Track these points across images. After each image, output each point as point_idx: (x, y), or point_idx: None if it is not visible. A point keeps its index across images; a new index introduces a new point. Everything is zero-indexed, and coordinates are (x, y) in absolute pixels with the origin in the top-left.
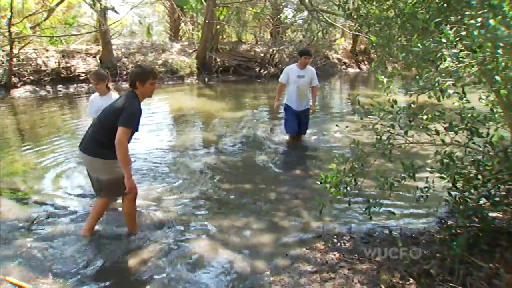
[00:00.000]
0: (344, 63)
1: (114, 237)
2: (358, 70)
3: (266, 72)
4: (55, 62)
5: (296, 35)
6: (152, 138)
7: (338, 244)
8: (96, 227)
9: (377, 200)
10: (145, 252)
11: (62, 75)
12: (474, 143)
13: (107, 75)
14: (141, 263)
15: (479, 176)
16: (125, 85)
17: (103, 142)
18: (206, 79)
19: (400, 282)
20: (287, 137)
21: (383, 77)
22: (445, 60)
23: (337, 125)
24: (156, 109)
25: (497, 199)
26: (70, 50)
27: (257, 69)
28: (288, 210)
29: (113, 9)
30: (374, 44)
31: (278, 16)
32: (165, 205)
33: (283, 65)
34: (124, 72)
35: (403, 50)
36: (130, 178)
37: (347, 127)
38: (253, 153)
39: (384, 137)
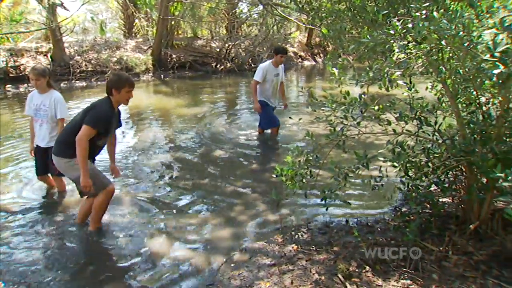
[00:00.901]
0: (300, 56)
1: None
2: (314, 62)
3: (222, 67)
4: (3, 61)
5: (251, 30)
6: None
7: (296, 236)
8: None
9: (333, 191)
10: (99, 253)
11: (11, 75)
12: (424, 132)
13: (48, 71)
14: (95, 263)
15: (429, 164)
16: (79, 84)
17: (68, 141)
18: (162, 76)
19: (357, 270)
20: (244, 132)
21: (334, 69)
22: (394, 51)
23: (290, 118)
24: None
25: (446, 185)
26: (18, 48)
27: (214, 64)
28: (245, 204)
29: (61, 5)
30: (326, 37)
31: (233, 11)
32: (120, 204)
33: (239, 59)
34: (78, 71)
35: (353, 42)
36: (86, 177)
37: (300, 119)
38: (210, 148)
39: (338, 128)
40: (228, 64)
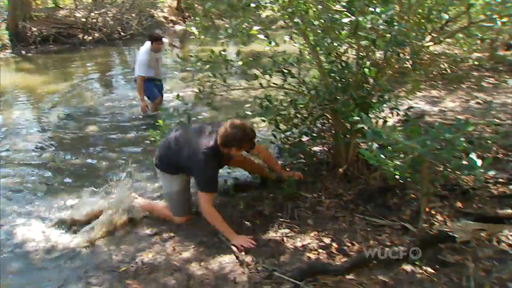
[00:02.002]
0: (171, 20)
1: None
2: (185, 27)
3: (90, 38)
4: None
5: None
6: None
7: None
8: None
9: None
10: None
11: None
12: (289, 84)
13: None
14: None
15: (298, 115)
16: None
17: None
18: (24, 52)
19: (237, 227)
20: (119, 104)
21: (193, 28)
22: (250, 5)
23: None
24: None
25: (315, 134)
26: None
27: (81, 36)
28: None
29: None
30: None
31: None
32: None
33: (108, 29)
34: None
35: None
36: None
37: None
38: (82, 124)
39: (206, 87)
40: (96, 34)
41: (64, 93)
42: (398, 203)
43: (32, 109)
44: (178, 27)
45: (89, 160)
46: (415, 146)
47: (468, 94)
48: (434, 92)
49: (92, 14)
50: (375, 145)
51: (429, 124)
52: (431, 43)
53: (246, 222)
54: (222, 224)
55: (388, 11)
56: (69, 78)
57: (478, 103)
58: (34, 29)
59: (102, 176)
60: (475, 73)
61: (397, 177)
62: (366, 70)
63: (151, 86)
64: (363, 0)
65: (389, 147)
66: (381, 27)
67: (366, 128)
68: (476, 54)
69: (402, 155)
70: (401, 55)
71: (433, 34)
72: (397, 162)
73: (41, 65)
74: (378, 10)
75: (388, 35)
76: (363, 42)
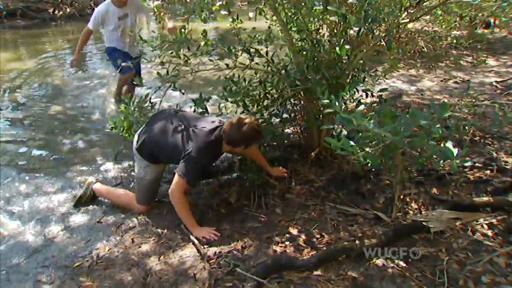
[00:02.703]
0: None
1: None
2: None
3: (61, 13)
4: None
5: None
6: None
7: None
8: None
9: None
10: None
11: None
12: (257, 63)
13: None
14: None
15: (268, 96)
16: None
17: None
18: None
19: (200, 217)
20: (86, 82)
21: (150, 3)
22: None
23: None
24: None
25: (285, 116)
26: None
27: (51, 11)
28: (85, 161)
29: None
30: None
31: None
32: None
33: (79, 3)
34: None
35: None
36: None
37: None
38: (50, 103)
39: (170, 69)
40: (68, 9)
41: (32, 71)
42: (372, 190)
43: None
44: (151, 4)
45: (49, 143)
46: (386, 135)
47: (446, 73)
48: (412, 71)
49: None
50: (344, 132)
51: (407, 104)
52: (407, 20)
53: (210, 211)
54: (187, 213)
55: None
56: (37, 55)
57: (456, 82)
58: (0, 3)
59: (60, 165)
60: (453, 52)
61: (368, 165)
62: (337, 48)
63: (121, 55)
64: None
65: (359, 133)
66: (352, 0)
67: (334, 112)
68: (454, 32)
69: (373, 143)
70: (376, 32)
71: (409, 11)
72: (367, 150)
73: (8, 41)
74: None
75: (362, 11)
76: (333, 18)
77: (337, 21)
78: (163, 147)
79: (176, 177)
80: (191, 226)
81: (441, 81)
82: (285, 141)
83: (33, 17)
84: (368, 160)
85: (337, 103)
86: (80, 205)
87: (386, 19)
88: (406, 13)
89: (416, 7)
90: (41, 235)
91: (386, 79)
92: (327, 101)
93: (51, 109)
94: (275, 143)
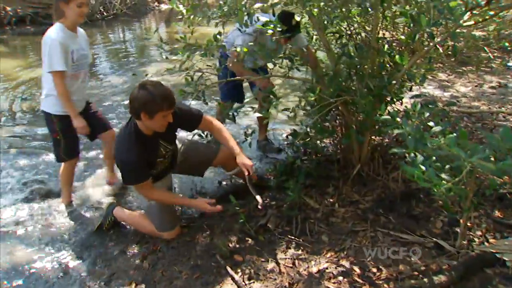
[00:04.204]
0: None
1: None
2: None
3: None
4: None
5: None
6: None
7: None
8: None
9: None
10: None
11: None
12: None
13: None
14: None
15: (306, 107)
16: None
17: None
18: None
19: (237, 246)
20: (98, 91)
21: (180, 6)
22: None
23: (134, 74)
24: None
25: (323, 128)
26: None
27: None
28: (100, 178)
29: None
30: None
31: None
32: None
33: (89, 9)
34: None
35: None
36: None
37: (146, 74)
38: None
39: (195, 77)
40: None
41: (37, 79)
42: (426, 212)
43: (6, 96)
44: (164, 6)
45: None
46: (481, 163)
47: (479, 78)
48: (442, 75)
49: None
50: (419, 158)
51: (445, 112)
52: (471, 22)
53: (248, 239)
54: (174, 199)
55: None
56: None
57: (492, 87)
58: (8, 9)
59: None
60: (483, 54)
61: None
62: (386, 54)
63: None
64: None
65: (432, 157)
66: None
67: (403, 132)
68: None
69: (446, 167)
70: (437, 37)
71: (475, 12)
72: (445, 177)
73: (18, 48)
74: None
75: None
76: (399, 20)
77: (399, 22)
78: None
79: (133, 188)
80: (187, 203)
81: (476, 86)
82: (321, 154)
83: (42, 23)
84: (452, 192)
85: (398, 119)
86: (101, 231)
87: (446, 22)
88: (469, 13)
89: (486, 7)
90: (58, 265)
91: (419, 85)
92: (388, 117)
93: None
94: (310, 156)
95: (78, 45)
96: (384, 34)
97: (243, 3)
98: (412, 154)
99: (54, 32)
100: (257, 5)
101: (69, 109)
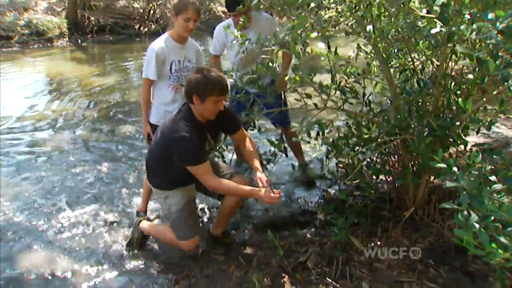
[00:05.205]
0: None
1: None
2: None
3: (146, 29)
4: None
5: None
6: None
7: None
8: None
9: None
10: None
11: None
12: (350, 103)
13: None
14: None
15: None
16: None
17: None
18: (80, 41)
19: (272, 282)
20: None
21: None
22: (309, 7)
23: None
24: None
25: (377, 166)
26: None
27: (137, 27)
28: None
29: None
30: None
31: None
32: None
33: (164, 20)
34: None
35: None
36: None
37: None
38: (121, 122)
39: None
40: (153, 26)
41: (112, 86)
42: (483, 270)
43: (75, 102)
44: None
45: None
46: None
47: None
48: None
49: (150, 5)
50: (474, 218)
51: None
52: None
53: (285, 275)
54: (238, 188)
55: (508, 17)
56: (120, 70)
57: None
58: (92, 18)
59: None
60: None
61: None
62: (452, 92)
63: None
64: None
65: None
66: (491, 41)
67: (458, 186)
68: None
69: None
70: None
71: None
72: (504, 241)
73: (96, 55)
74: (490, 15)
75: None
76: (462, 62)
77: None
78: (153, 162)
79: (192, 171)
80: (253, 194)
81: None
82: (374, 192)
83: (120, 32)
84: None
85: (456, 169)
86: (131, 248)
87: None
88: None
89: None
90: (91, 280)
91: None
92: (444, 165)
93: (121, 129)
94: (362, 194)
95: (183, 56)
96: (451, 70)
97: (299, 31)
98: (466, 212)
99: (157, 42)
100: (314, 34)
101: (143, 115)
